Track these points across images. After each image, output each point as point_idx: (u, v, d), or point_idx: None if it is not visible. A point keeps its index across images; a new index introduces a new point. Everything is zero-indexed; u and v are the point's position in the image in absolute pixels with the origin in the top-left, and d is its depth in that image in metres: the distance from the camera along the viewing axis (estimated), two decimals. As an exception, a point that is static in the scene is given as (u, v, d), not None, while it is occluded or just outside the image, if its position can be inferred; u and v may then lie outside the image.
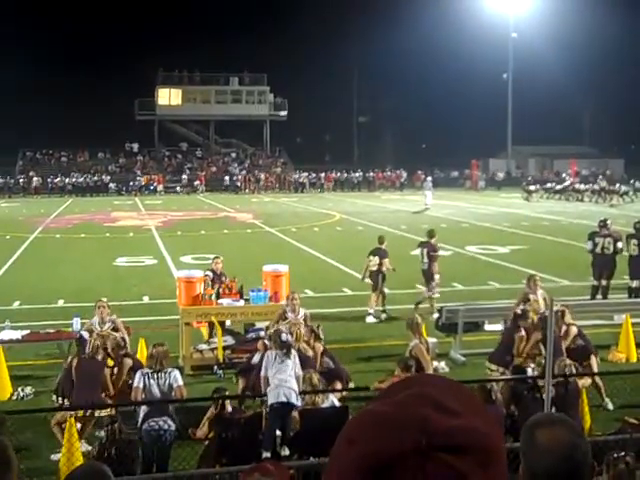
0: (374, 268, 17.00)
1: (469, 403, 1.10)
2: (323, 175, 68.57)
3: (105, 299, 12.66)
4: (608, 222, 17.99)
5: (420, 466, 0.99)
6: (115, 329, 11.65)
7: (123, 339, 11.27)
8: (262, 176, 68.23)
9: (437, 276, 16.92)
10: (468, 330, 13.95)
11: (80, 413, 9.66)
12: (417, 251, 17.55)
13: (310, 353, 11.00)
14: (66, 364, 10.75)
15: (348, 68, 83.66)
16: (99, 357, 10.27)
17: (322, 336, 11.85)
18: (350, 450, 1.04)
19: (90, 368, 10.12)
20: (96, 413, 9.83)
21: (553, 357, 8.40)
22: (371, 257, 17.26)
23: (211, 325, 13.79)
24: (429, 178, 53.17)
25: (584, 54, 72.25)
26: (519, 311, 11.79)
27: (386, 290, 17.20)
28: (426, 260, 17.00)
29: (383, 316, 16.69)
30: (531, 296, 12.25)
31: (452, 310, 14.06)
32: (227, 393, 9.79)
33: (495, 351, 11.77)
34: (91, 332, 11.08)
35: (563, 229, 31.85)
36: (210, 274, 14.06)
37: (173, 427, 9.03)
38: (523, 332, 11.37)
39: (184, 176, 67.48)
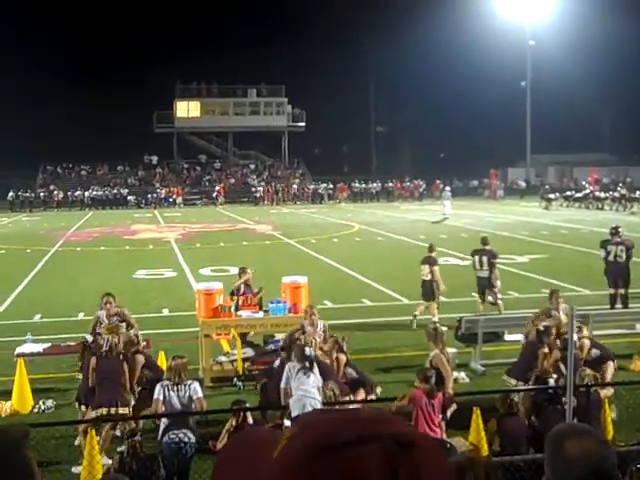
0: (427, 277, 16.88)
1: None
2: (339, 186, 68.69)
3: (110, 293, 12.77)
4: (620, 229, 17.90)
5: (384, 462, 1.07)
6: (123, 321, 11.65)
7: (136, 335, 11.26)
8: (280, 188, 68.35)
9: (498, 282, 16.82)
10: (488, 340, 13.88)
11: (104, 412, 9.72)
12: (476, 259, 17.27)
13: (327, 361, 10.99)
14: (83, 367, 10.67)
15: (365, 78, 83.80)
16: (117, 353, 10.24)
17: (346, 349, 11.77)
18: (301, 435, 1.12)
19: (109, 367, 10.09)
20: (120, 410, 9.85)
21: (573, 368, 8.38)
22: (422, 266, 17.14)
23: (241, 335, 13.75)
24: (448, 188, 53.09)
25: (602, 61, 72.00)
26: (542, 327, 11.65)
27: (429, 302, 17.01)
28: (486, 268, 16.86)
29: (414, 324, 16.45)
30: (553, 312, 12.16)
31: (472, 320, 14.00)
32: (247, 405, 9.79)
33: (514, 366, 11.62)
34: (97, 333, 11.00)
35: (582, 238, 31.66)
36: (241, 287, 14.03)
37: (193, 439, 9.05)
38: (546, 349, 11.25)
39: (217, 187, 67.73)
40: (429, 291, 16.78)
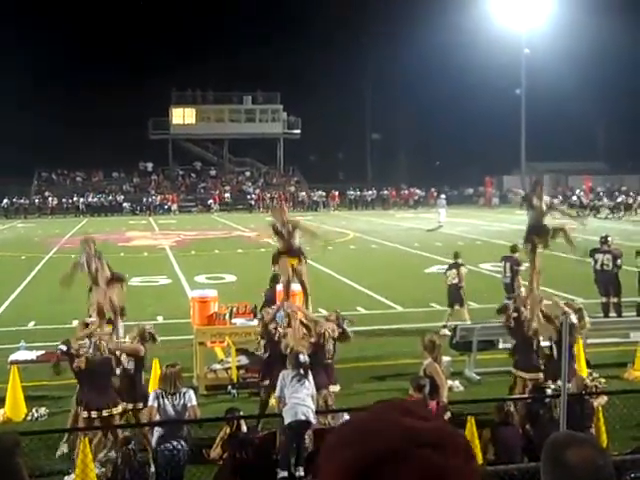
0: (454, 281, 16.98)
1: (435, 414, 1.21)
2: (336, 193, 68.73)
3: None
4: (609, 239, 17.99)
5: (404, 463, 1.09)
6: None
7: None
8: (276, 195, 68.36)
9: (522, 289, 16.92)
10: (483, 348, 13.89)
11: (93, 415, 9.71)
12: (501, 266, 17.77)
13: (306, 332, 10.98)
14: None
15: (361, 86, 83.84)
16: (106, 354, 10.14)
17: (345, 326, 11.67)
18: (334, 456, 1.13)
19: (100, 368, 10.03)
20: (113, 411, 9.85)
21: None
22: (448, 272, 17.28)
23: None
24: (443, 196, 53.12)
25: (597, 69, 72.13)
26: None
27: (456, 307, 17.07)
28: (509, 274, 17.06)
29: (442, 331, 16.11)
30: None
31: (467, 328, 14.02)
32: (241, 413, 9.77)
33: (519, 357, 11.60)
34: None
35: (577, 246, 31.62)
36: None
37: (186, 447, 9.04)
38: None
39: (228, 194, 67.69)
40: (456, 296, 16.85)
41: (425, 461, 1.09)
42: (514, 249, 17.75)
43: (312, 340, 10.89)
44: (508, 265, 17.33)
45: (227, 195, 68.73)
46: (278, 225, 11.98)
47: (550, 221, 13.06)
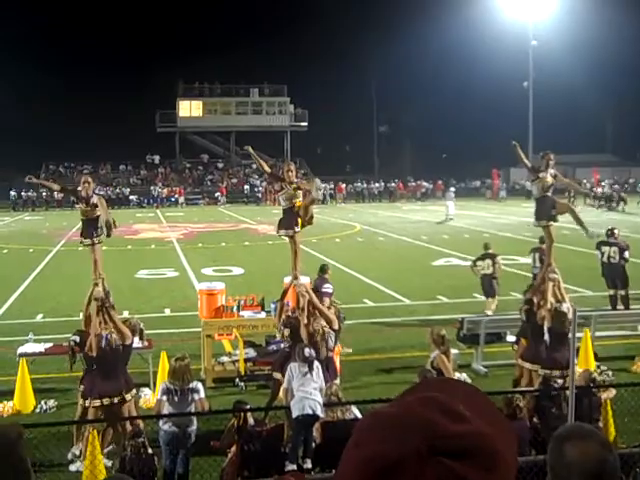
0: (488, 271, 17.02)
1: (482, 409, 1.11)
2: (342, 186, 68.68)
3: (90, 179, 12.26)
4: (616, 231, 17.90)
5: (420, 470, 1.01)
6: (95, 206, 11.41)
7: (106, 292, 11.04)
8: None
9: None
10: (490, 341, 13.89)
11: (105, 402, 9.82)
12: (530, 257, 17.89)
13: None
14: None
15: (368, 78, 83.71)
16: (116, 346, 10.19)
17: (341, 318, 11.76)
18: (355, 453, 1.07)
19: (112, 358, 10.14)
20: (127, 396, 10.03)
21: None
22: (480, 262, 17.28)
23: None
24: (452, 189, 52.90)
25: (605, 61, 71.90)
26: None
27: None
28: (538, 264, 17.12)
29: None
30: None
31: (474, 321, 14.00)
32: (249, 406, 9.79)
33: (527, 348, 11.64)
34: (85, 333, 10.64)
35: (583, 239, 31.57)
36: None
37: (195, 426, 9.12)
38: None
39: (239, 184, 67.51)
40: (488, 286, 16.98)
41: (444, 470, 1.01)
42: (543, 240, 17.79)
43: (310, 331, 10.86)
44: (537, 256, 17.31)
45: (247, 187, 68.82)
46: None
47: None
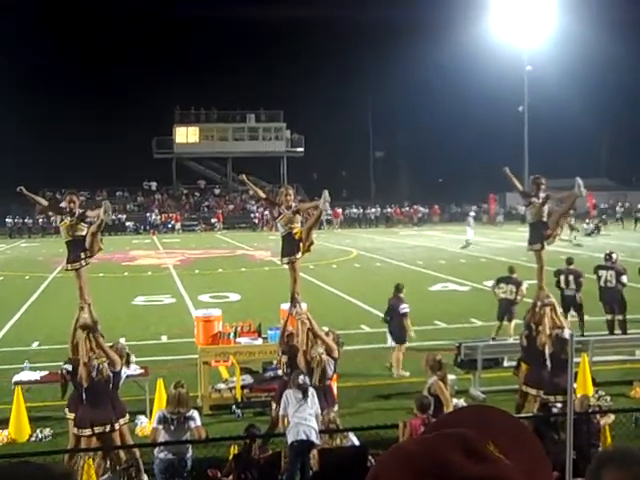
0: (510, 296, 16.89)
1: (519, 447, 1.06)
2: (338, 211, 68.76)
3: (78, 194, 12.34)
4: (614, 255, 17.89)
5: None
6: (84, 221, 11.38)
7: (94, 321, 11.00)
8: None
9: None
10: (487, 367, 13.85)
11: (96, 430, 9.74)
12: (562, 278, 17.77)
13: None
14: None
15: (363, 104, 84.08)
16: (107, 376, 10.13)
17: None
18: None
19: (101, 388, 10.08)
20: (121, 421, 9.95)
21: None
22: (503, 285, 17.13)
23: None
24: (472, 213, 51.63)
25: (599, 86, 72.33)
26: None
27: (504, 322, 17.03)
28: (573, 286, 17.19)
29: None
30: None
31: (471, 347, 13.97)
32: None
33: (529, 374, 11.59)
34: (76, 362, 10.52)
35: (581, 263, 31.56)
36: None
37: (190, 453, 9.07)
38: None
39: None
40: (506, 310, 16.87)
41: None
42: (570, 261, 17.91)
43: (308, 358, 10.85)
44: (572, 278, 17.27)
45: (266, 213, 68.53)
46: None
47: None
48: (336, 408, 10.79)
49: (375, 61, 79.51)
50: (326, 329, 11.87)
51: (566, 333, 11.27)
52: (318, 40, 76.71)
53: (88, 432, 9.80)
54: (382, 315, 16.53)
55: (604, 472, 2.07)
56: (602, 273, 17.54)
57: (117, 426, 9.93)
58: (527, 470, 1.03)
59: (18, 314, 22.67)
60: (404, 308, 15.20)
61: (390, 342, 15.34)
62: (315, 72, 76.28)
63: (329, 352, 10.85)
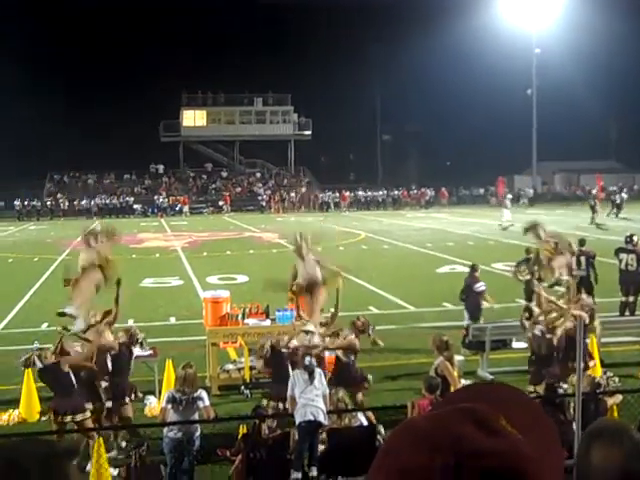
0: (528, 277, 16.94)
1: (529, 422, 1.06)
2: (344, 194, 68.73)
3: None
4: (635, 238, 17.79)
5: None
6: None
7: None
8: (287, 196, 68.51)
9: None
10: (496, 348, 13.86)
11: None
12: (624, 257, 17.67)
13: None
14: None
15: (371, 87, 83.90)
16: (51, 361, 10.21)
17: (371, 333, 11.86)
18: (385, 461, 1.03)
19: (54, 376, 10.21)
20: (79, 417, 9.96)
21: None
22: (524, 267, 17.14)
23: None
24: (509, 196, 51.22)
25: (608, 68, 72.02)
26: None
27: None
28: (584, 267, 17.13)
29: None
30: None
31: (479, 328, 13.98)
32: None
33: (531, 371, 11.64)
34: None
35: (590, 245, 31.49)
36: None
37: (199, 432, 9.12)
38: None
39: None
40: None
41: None
42: (583, 242, 17.89)
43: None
44: (583, 259, 17.20)
45: (287, 197, 68.90)
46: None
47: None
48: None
49: (383, 44, 79.25)
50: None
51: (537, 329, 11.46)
52: (327, 23, 76.51)
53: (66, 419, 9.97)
54: (391, 297, 16.57)
55: (594, 448, 2.00)
56: (623, 256, 17.44)
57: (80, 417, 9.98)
58: (538, 445, 1.03)
59: (27, 296, 22.76)
60: (480, 287, 15.35)
61: (466, 319, 15.38)
62: (323, 55, 76.10)
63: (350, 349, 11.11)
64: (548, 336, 11.43)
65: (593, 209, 45.02)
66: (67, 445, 1.63)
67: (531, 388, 11.14)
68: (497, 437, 1.00)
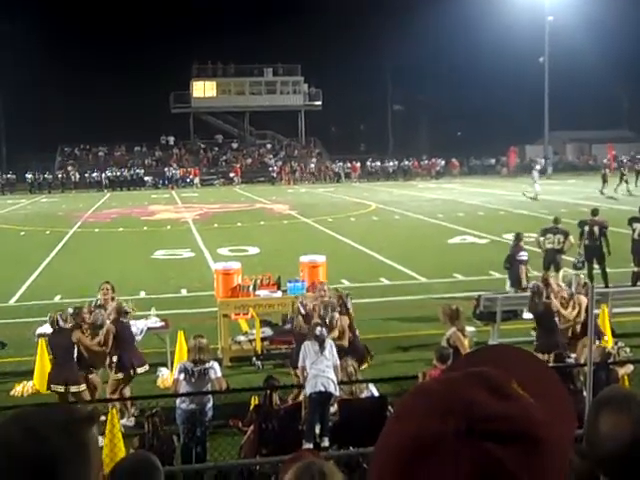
0: (558, 246, 17.01)
1: (540, 386, 1.05)
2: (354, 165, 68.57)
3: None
4: None
5: (457, 450, 0.96)
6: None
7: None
8: (298, 167, 68.39)
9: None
10: (506, 318, 13.87)
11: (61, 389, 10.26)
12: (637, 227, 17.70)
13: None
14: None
15: (382, 56, 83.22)
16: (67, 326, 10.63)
17: (350, 306, 11.92)
18: (396, 427, 1.02)
19: (60, 341, 10.60)
20: (72, 389, 10.32)
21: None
22: (550, 235, 17.18)
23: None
24: (537, 167, 50.79)
25: (621, 36, 71.18)
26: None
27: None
28: (597, 235, 17.26)
29: None
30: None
31: (490, 298, 13.98)
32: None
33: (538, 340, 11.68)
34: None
35: (602, 215, 31.37)
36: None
37: (211, 403, 9.20)
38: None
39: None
40: (552, 260, 17.02)
41: (480, 452, 0.95)
42: (595, 212, 17.89)
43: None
44: (597, 229, 17.22)
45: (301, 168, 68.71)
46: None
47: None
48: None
49: (394, 15, 78.56)
50: (347, 284, 12.00)
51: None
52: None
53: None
54: (402, 268, 16.57)
55: (603, 416, 2.00)
56: (636, 226, 17.36)
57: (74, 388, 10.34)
58: (551, 409, 1.02)
59: (40, 268, 22.87)
60: (522, 255, 15.49)
61: (508, 287, 15.61)
62: (333, 25, 75.50)
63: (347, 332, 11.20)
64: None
65: (604, 178, 44.68)
66: (86, 411, 1.63)
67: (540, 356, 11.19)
68: (509, 401, 0.99)
